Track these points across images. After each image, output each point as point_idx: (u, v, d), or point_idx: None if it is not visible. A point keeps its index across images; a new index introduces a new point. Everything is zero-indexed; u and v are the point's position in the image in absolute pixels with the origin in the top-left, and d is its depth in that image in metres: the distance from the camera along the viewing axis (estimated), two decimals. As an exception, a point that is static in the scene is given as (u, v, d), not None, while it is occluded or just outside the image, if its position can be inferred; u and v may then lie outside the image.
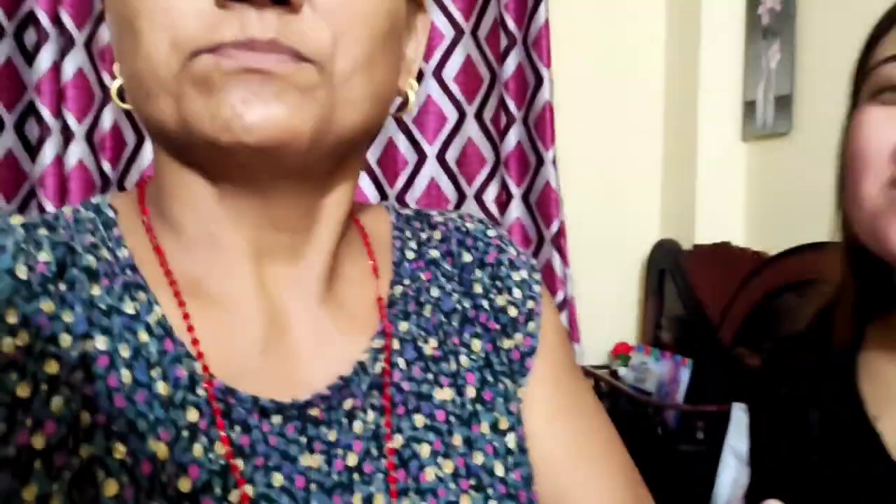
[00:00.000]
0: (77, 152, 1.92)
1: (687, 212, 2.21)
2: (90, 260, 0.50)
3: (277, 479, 0.48)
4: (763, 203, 2.11)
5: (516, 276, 0.63)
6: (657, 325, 2.23)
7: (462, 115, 2.19)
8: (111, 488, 0.44)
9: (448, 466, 0.53)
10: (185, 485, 0.46)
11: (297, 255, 0.53)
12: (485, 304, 0.61)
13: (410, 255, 0.61)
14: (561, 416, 0.62)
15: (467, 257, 0.63)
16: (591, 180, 2.32)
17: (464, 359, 0.58)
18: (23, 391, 0.45)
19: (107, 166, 1.99)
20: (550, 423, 0.61)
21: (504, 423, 0.57)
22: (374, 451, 0.52)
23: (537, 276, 0.65)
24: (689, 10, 2.20)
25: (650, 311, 2.26)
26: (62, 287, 0.48)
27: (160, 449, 0.46)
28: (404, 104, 0.57)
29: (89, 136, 1.95)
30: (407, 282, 0.60)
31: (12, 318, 0.46)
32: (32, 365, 0.45)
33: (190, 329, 0.50)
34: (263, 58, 0.45)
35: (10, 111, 1.92)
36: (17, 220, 0.50)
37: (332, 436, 0.51)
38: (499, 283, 0.62)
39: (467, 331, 0.59)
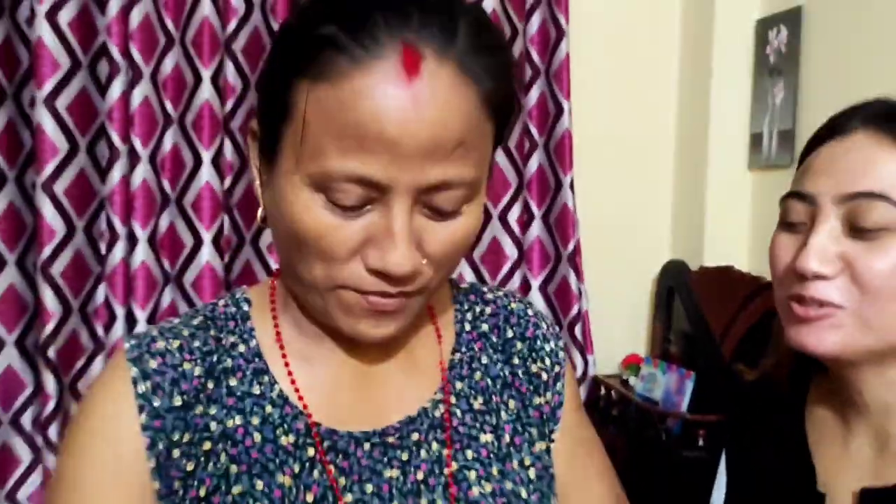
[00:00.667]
0: (142, 173, 2.14)
1: (695, 235, 2.38)
2: (229, 362, 0.72)
3: (369, 488, 0.70)
4: (766, 229, 2.27)
5: (547, 347, 0.82)
6: (665, 339, 2.40)
7: (488, 142, 2.37)
8: None
9: (488, 488, 0.73)
10: (309, 498, 0.68)
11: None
12: (520, 372, 0.80)
13: (467, 326, 0.80)
14: (575, 442, 0.83)
15: (510, 333, 0.81)
16: (606, 204, 2.49)
17: (503, 414, 0.77)
18: (189, 466, 0.68)
19: (167, 185, 2.20)
20: (569, 447, 0.82)
21: (528, 461, 0.77)
22: (437, 471, 0.72)
23: (561, 344, 0.84)
24: (701, 49, 2.37)
25: (659, 326, 2.43)
26: (210, 386, 0.70)
27: (286, 480, 0.68)
28: None
29: (152, 158, 2.17)
30: (463, 349, 0.79)
31: (178, 433, 0.69)
32: (194, 449, 0.69)
33: (300, 398, 0.72)
34: (389, 303, 0.64)
35: (84, 135, 2.13)
36: (174, 343, 0.70)
37: (404, 456, 0.72)
38: (534, 354, 0.81)
39: (506, 393, 0.79)
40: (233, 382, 0.71)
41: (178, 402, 0.69)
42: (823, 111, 2.11)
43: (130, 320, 2.15)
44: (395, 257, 0.60)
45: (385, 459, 0.71)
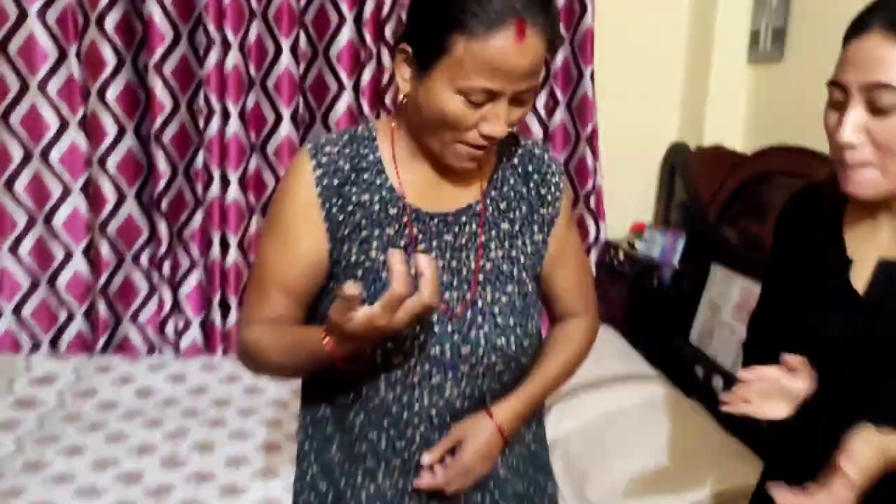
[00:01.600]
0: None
1: (697, 119, 2.74)
2: (364, 164, 1.13)
3: (434, 243, 1.12)
4: (759, 115, 2.63)
5: (553, 180, 1.21)
6: (667, 209, 2.81)
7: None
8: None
9: (500, 253, 1.15)
10: (401, 243, 1.11)
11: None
12: (533, 192, 1.20)
13: (504, 159, 1.20)
14: (562, 243, 1.23)
15: (530, 167, 1.21)
16: (621, 93, 2.86)
17: (517, 213, 1.18)
18: (340, 217, 1.11)
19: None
20: (558, 245, 1.22)
21: (528, 242, 1.18)
22: (473, 240, 1.14)
23: (564, 179, 1.23)
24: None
25: (663, 198, 2.84)
26: (352, 176, 1.12)
27: (390, 231, 1.10)
28: None
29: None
30: (499, 173, 1.19)
31: (336, 204, 1.11)
32: (343, 209, 1.11)
33: (401, 186, 1.13)
34: (482, 153, 1.08)
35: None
36: (335, 149, 1.12)
37: (456, 229, 1.14)
38: (544, 182, 1.21)
39: (522, 203, 1.19)
40: (365, 176, 1.13)
41: (336, 181, 1.11)
42: (812, 11, 2.42)
43: (224, 182, 2.65)
44: (501, 127, 1.04)
45: (445, 229, 1.14)
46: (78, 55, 2.57)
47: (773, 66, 2.53)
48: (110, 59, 2.54)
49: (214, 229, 2.66)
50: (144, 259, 2.73)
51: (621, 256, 2.76)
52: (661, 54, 2.86)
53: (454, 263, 1.13)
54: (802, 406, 1.09)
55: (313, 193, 1.10)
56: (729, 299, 2.28)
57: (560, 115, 2.84)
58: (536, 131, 2.80)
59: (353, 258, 1.11)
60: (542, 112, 2.80)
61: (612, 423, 2.08)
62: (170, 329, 2.74)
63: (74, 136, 2.62)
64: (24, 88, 2.55)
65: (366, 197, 1.11)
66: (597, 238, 2.89)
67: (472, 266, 1.13)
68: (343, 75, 2.66)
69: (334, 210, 1.11)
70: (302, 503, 1.22)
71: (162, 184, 2.62)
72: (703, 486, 1.74)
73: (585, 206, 2.88)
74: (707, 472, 1.79)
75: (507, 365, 1.15)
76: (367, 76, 2.66)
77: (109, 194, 2.63)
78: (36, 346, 2.70)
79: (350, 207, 1.11)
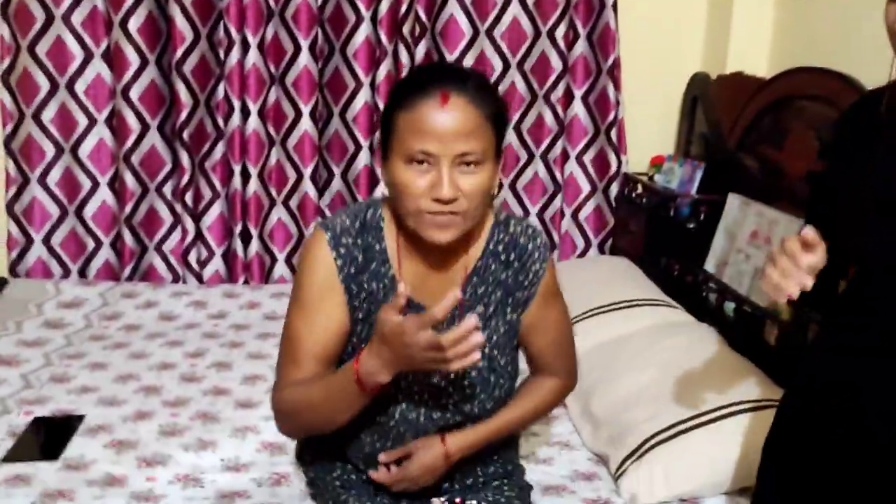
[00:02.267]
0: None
1: (721, 48, 2.69)
2: (372, 253, 1.30)
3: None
4: (784, 40, 2.56)
5: (534, 268, 1.34)
6: (688, 142, 2.78)
7: (540, -34, 2.72)
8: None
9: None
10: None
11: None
12: (511, 279, 1.33)
13: (490, 247, 1.34)
14: (540, 315, 1.37)
15: (512, 256, 1.34)
16: (644, 23, 2.82)
17: (493, 298, 1.33)
18: (356, 302, 1.31)
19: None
20: (537, 314, 1.36)
21: (501, 322, 1.34)
22: (454, 321, 1.22)
23: (546, 265, 1.34)
24: None
25: (684, 129, 2.81)
26: (363, 265, 1.30)
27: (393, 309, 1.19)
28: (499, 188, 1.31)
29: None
30: (483, 261, 1.33)
31: (354, 289, 1.30)
32: (356, 295, 1.31)
33: (401, 277, 1.29)
34: (444, 218, 1.20)
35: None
36: (350, 240, 1.29)
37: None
38: (524, 270, 1.34)
39: (499, 287, 1.34)
40: (373, 266, 1.31)
41: (353, 270, 1.30)
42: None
43: (245, 112, 2.68)
44: (446, 189, 1.18)
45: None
46: (101, -13, 2.61)
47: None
48: (132, -11, 2.58)
49: (236, 160, 2.70)
50: (168, 189, 2.78)
51: (639, 189, 2.75)
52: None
53: None
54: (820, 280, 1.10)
55: (337, 279, 1.30)
56: (745, 227, 2.26)
57: (581, 47, 2.81)
58: (556, 64, 2.78)
59: (363, 335, 1.31)
60: (562, 44, 2.78)
61: (622, 343, 2.09)
62: (193, 258, 2.80)
63: (99, 68, 2.67)
64: (49, 20, 2.60)
65: (374, 285, 1.31)
66: (618, 171, 2.87)
67: None
68: (360, 72, 2.69)
69: (353, 293, 1.31)
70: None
71: (184, 115, 2.66)
72: (706, 399, 1.75)
73: (606, 138, 2.86)
74: (712, 387, 1.79)
75: (467, 423, 1.36)
76: (383, 73, 2.67)
77: (133, 125, 2.68)
78: (66, 275, 2.79)
79: (363, 295, 1.31)
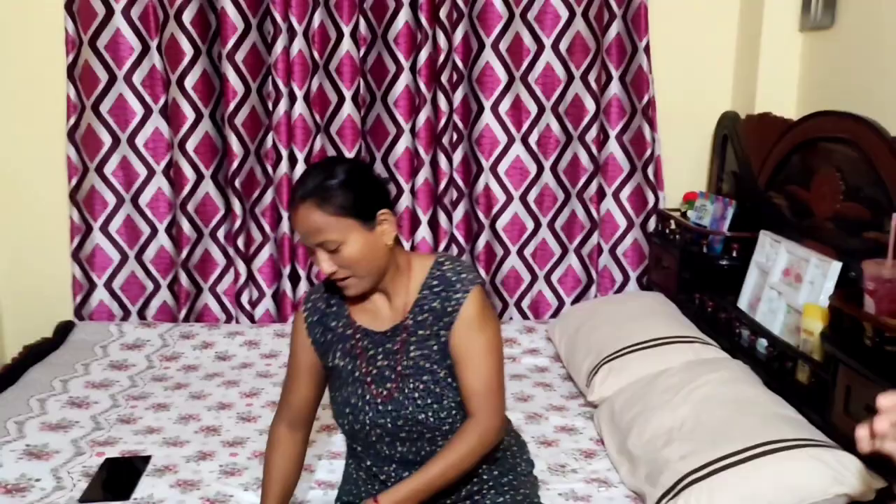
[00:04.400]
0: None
1: (750, 88, 2.77)
2: (332, 302, 1.61)
3: (378, 351, 1.57)
4: (812, 81, 2.64)
5: (455, 296, 1.54)
6: (719, 179, 2.85)
7: (572, 14, 2.83)
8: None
9: (420, 352, 1.54)
10: (356, 354, 1.58)
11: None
12: (439, 320, 1.54)
13: (424, 292, 1.56)
14: (463, 341, 1.54)
15: (441, 304, 1.54)
16: (674, 65, 2.91)
17: (429, 331, 1.54)
18: (323, 342, 1.61)
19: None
20: (457, 339, 1.54)
21: (436, 346, 1.55)
22: (401, 345, 1.55)
23: (467, 294, 1.53)
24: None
25: (715, 167, 2.88)
26: (329, 315, 1.61)
27: (348, 349, 1.58)
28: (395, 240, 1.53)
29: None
30: (418, 305, 1.55)
31: (318, 331, 1.60)
32: (323, 338, 1.60)
33: (354, 318, 1.59)
34: (340, 284, 1.51)
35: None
36: (321, 304, 1.61)
37: (388, 345, 1.56)
38: (449, 313, 1.53)
39: (431, 325, 1.54)
40: (334, 308, 1.60)
41: (317, 317, 1.60)
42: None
43: (292, 160, 2.83)
44: (324, 265, 1.46)
45: (384, 341, 1.57)
46: (159, 48, 2.78)
47: (825, 33, 2.55)
48: (188, 50, 2.74)
49: (284, 206, 2.84)
50: (221, 234, 2.94)
51: (673, 225, 2.82)
52: (713, 25, 2.89)
53: (389, 363, 1.56)
54: None
55: (303, 326, 1.61)
56: (777, 264, 2.32)
57: (614, 88, 2.91)
58: (590, 106, 2.88)
59: (329, 364, 1.59)
60: (594, 86, 2.88)
61: (656, 380, 2.16)
62: (245, 299, 2.95)
63: (157, 123, 2.84)
64: (111, 80, 2.78)
65: (334, 323, 1.59)
66: (655, 206, 2.96)
67: (398, 365, 1.56)
68: (401, 57, 2.80)
69: (318, 335, 1.60)
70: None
71: (235, 164, 2.82)
72: (741, 438, 1.81)
73: (643, 175, 2.95)
74: (746, 425, 1.85)
75: (432, 432, 1.54)
76: (423, 57, 2.79)
77: (189, 175, 2.84)
78: (126, 316, 2.95)
79: (329, 334, 1.59)
